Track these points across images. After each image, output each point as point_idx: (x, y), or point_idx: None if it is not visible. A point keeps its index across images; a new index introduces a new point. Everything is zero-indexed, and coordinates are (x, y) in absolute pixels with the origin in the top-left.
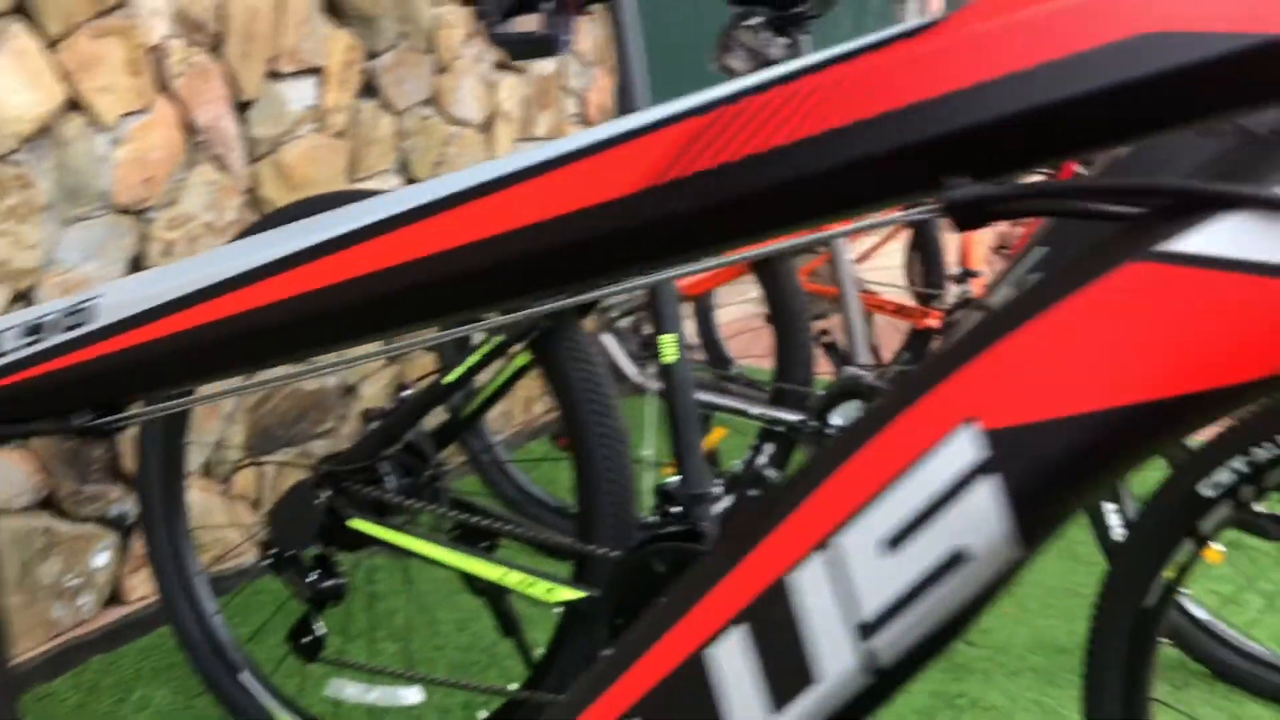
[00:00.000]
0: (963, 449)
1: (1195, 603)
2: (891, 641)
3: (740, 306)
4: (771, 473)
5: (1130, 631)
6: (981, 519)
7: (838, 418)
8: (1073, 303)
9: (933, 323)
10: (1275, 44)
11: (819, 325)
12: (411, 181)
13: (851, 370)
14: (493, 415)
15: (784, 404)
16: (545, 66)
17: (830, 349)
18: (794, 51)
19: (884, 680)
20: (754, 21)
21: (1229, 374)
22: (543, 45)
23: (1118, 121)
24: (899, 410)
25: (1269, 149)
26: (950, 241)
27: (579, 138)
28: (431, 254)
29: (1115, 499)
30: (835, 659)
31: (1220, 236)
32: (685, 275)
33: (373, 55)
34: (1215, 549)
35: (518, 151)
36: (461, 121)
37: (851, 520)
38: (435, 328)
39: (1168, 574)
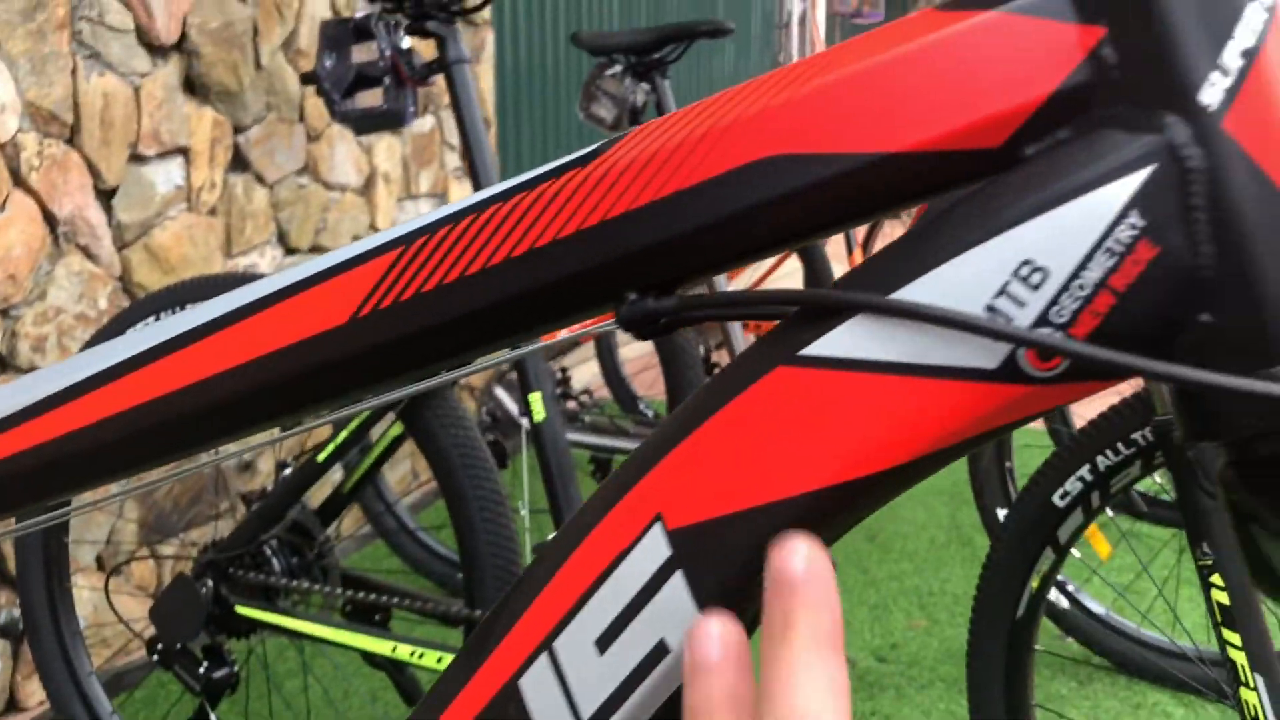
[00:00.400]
0: (655, 546)
1: (1092, 597)
2: None
3: (647, 343)
4: None
5: (1006, 643)
6: (675, 614)
7: None
8: (735, 404)
9: None
10: (883, 160)
11: (715, 357)
12: (291, 250)
13: None
14: (396, 477)
15: None
16: (423, 124)
17: None
18: (655, 96)
19: None
20: (615, 70)
21: (871, 463)
22: (386, 119)
23: (756, 237)
24: (603, 512)
25: (891, 257)
26: (839, 258)
27: (302, 269)
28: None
29: (1009, 504)
30: None
31: (847, 340)
32: (414, 392)
33: (240, 129)
34: (1106, 543)
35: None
36: (339, 186)
37: (566, 622)
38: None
39: (1034, 584)
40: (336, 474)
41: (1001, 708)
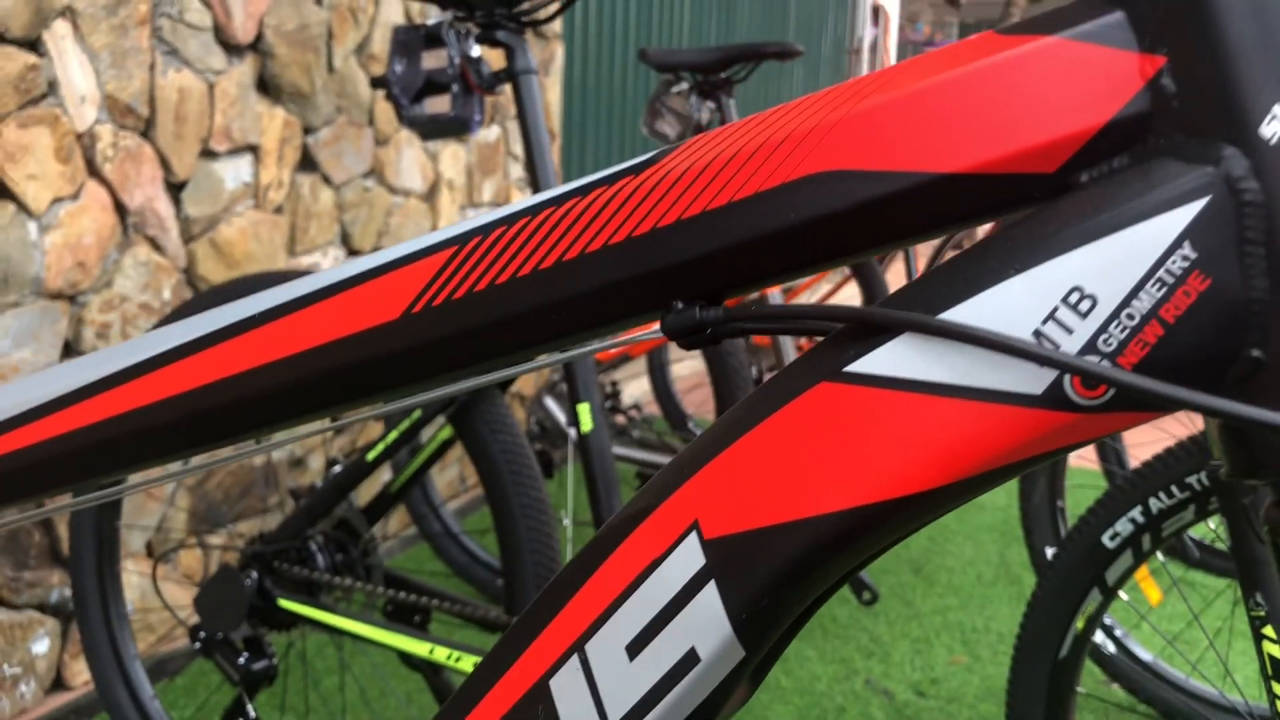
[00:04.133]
0: (690, 555)
1: (1141, 644)
2: None
3: (698, 361)
4: None
5: (1047, 683)
6: (707, 623)
7: None
8: (777, 418)
9: None
10: (936, 180)
11: (768, 378)
12: (354, 253)
13: None
14: (444, 482)
15: None
16: (488, 134)
17: None
18: (721, 115)
19: None
20: (681, 88)
21: (911, 484)
22: (453, 125)
23: (807, 252)
24: (640, 518)
25: (939, 278)
26: (896, 279)
27: (359, 263)
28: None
29: (1059, 543)
30: None
31: (892, 358)
32: (462, 389)
33: (310, 130)
34: (1156, 589)
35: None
36: (404, 191)
37: (598, 626)
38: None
39: (1079, 624)
40: (386, 473)
41: None
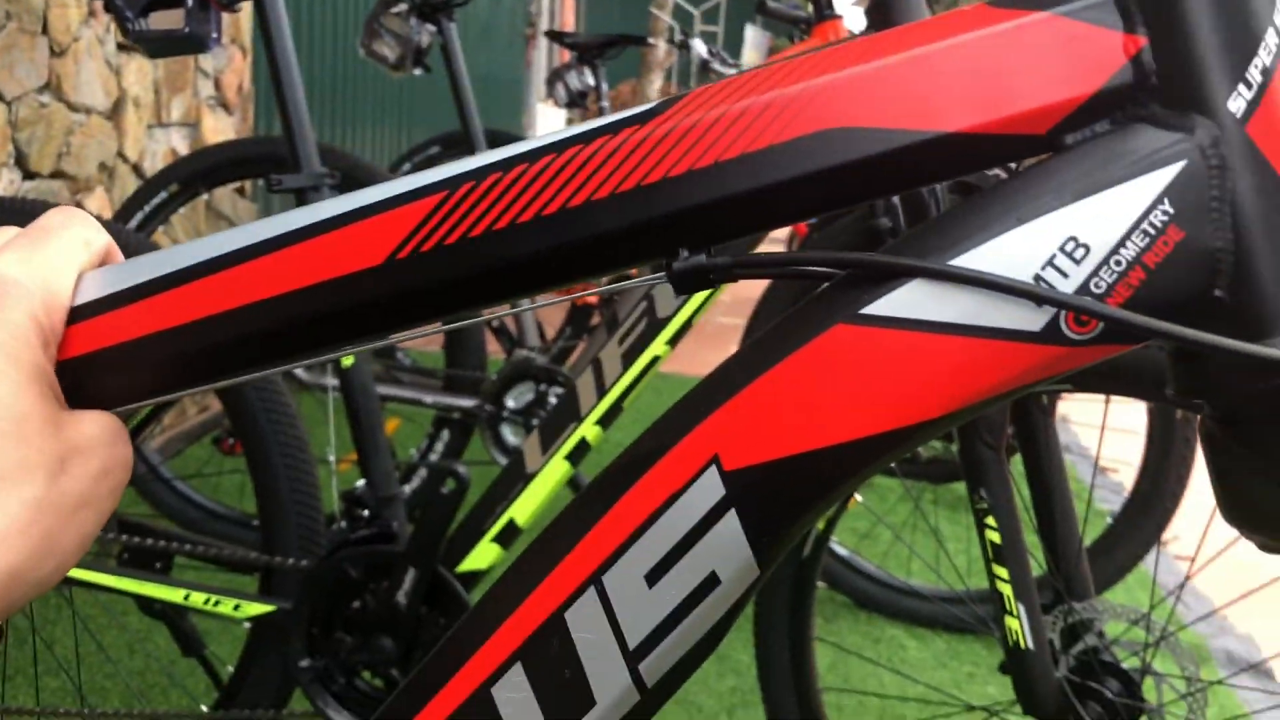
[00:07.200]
0: (710, 486)
1: (837, 542)
2: (655, 663)
3: None
4: (449, 459)
5: (792, 581)
6: (727, 548)
7: (512, 400)
8: (795, 357)
9: (591, 299)
10: (938, 138)
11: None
12: (31, 175)
13: (523, 353)
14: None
15: (457, 390)
16: None
17: (500, 333)
18: (440, 39)
19: (650, 696)
20: (400, 9)
21: (914, 414)
22: (187, 43)
23: (810, 201)
24: (656, 455)
25: (943, 227)
26: None
27: (334, 204)
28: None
29: None
30: (609, 685)
31: (905, 301)
32: (444, 330)
33: None
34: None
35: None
36: (85, 109)
37: (616, 558)
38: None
39: (819, 526)
40: None
41: (786, 641)
